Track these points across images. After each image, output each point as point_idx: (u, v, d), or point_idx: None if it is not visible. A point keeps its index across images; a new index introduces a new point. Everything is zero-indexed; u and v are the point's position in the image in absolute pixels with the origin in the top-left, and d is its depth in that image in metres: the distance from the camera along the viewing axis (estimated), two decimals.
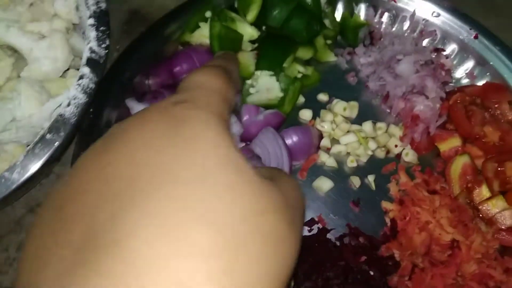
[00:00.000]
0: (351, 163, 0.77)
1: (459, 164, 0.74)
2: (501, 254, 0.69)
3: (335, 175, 0.76)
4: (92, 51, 0.62)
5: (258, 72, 0.76)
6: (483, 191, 0.72)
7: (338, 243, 0.69)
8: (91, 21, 0.64)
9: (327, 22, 0.85)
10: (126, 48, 0.78)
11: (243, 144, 0.73)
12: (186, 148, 0.27)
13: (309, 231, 0.71)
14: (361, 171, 0.77)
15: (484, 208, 0.71)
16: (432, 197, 0.71)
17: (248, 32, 0.79)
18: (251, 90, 0.76)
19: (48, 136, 0.57)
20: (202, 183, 0.26)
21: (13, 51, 0.68)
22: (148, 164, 0.27)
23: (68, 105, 0.58)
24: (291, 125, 0.77)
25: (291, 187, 0.33)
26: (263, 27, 0.81)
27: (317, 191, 0.75)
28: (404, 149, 0.78)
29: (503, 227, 0.70)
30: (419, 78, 0.78)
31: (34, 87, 0.61)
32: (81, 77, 0.59)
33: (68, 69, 0.69)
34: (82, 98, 0.58)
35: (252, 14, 0.80)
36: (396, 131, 0.78)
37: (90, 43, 0.62)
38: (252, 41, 0.80)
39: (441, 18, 0.85)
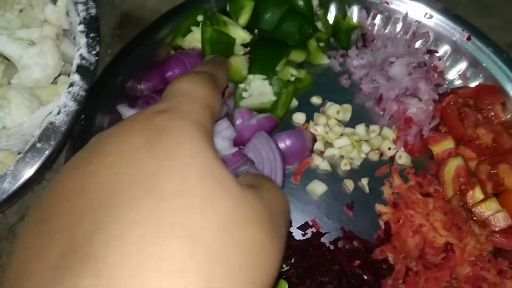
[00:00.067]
0: (344, 166, 0.77)
1: (453, 166, 0.74)
2: (495, 256, 0.69)
3: (328, 179, 0.76)
4: (82, 58, 0.61)
5: (250, 76, 0.76)
6: (477, 193, 0.72)
7: (332, 247, 0.69)
8: (81, 27, 0.64)
9: (319, 24, 0.85)
10: (118, 53, 0.78)
11: (236, 149, 0.73)
12: (165, 160, 0.27)
13: (303, 235, 0.71)
14: (354, 174, 0.77)
15: (477, 210, 0.71)
16: (425, 200, 0.71)
17: (240, 35, 0.79)
18: (244, 94, 0.76)
19: (39, 144, 0.56)
20: (180, 195, 0.26)
21: (3, 58, 0.67)
22: (127, 177, 0.27)
23: (59, 113, 0.58)
24: (284, 129, 0.77)
25: (274, 195, 0.33)
26: (256, 31, 0.81)
27: (311, 194, 0.74)
28: (397, 151, 0.78)
29: (496, 229, 0.70)
30: (412, 80, 0.78)
31: (25, 95, 0.61)
32: (71, 85, 0.59)
33: (59, 75, 0.68)
34: (72, 106, 0.58)
35: (244, 18, 0.80)
36: (390, 133, 0.78)
37: (80, 49, 0.62)
38: (245, 45, 0.80)
39: (434, 20, 0.85)
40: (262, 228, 0.28)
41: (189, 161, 0.27)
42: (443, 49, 0.85)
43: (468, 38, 0.83)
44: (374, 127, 0.79)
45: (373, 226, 0.72)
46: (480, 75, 0.82)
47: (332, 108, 0.79)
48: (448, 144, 0.77)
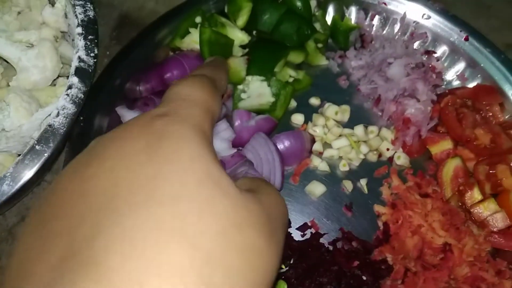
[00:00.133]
0: (343, 167, 0.77)
1: (451, 167, 0.74)
2: (493, 257, 0.69)
3: (327, 180, 0.76)
4: (80, 60, 0.61)
5: (249, 77, 0.76)
6: (475, 194, 0.72)
7: (331, 248, 0.69)
8: (80, 29, 0.64)
9: (317, 25, 0.85)
10: (116, 54, 0.78)
11: (235, 150, 0.73)
12: (165, 164, 0.27)
13: (302, 235, 0.71)
14: (353, 175, 0.77)
15: (476, 211, 0.71)
16: (424, 201, 0.71)
17: (239, 37, 0.79)
18: (243, 95, 0.76)
19: (38, 147, 0.56)
20: (179, 200, 0.26)
21: (2, 60, 0.67)
22: (126, 181, 0.27)
23: (57, 115, 0.58)
24: (283, 130, 0.77)
25: (273, 198, 0.33)
26: (254, 32, 0.81)
27: (309, 195, 0.75)
28: (396, 152, 0.78)
29: (495, 229, 0.70)
30: (410, 81, 0.78)
31: (23, 97, 0.61)
32: (69, 87, 0.59)
33: (57, 77, 0.68)
34: (71, 108, 0.58)
35: (242, 19, 0.80)
36: (388, 134, 0.79)
37: (78, 52, 0.62)
38: (243, 46, 0.80)
39: (432, 21, 0.85)
40: (261, 232, 0.28)
41: (188, 166, 0.28)
42: (441, 50, 0.86)
43: (466, 39, 0.83)
44: (373, 128, 0.79)
45: (372, 226, 0.72)
46: (478, 76, 0.83)
47: (330, 109, 0.79)
48: (446, 144, 0.77)
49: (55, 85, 0.69)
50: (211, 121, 0.34)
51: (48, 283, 0.24)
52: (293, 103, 0.81)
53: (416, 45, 0.87)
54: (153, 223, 0.25)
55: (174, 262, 0.24)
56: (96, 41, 0.63)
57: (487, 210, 0.70)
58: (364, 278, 0.66)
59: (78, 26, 0.63)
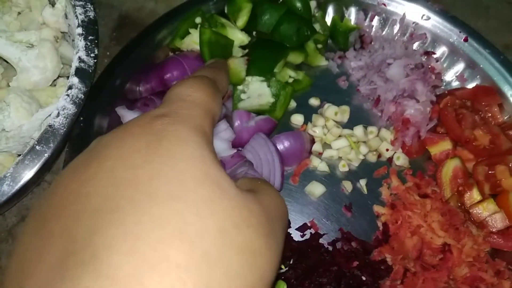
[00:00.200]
0: (343, 167, 0.77)
1: (450, 167, 0.75)
2: (492, 257, 0.69)
3: (327, 180, 0.76)
4: (81, 60, 0.61)
5: (249, 78, 0.76)
6: (474, 194, 0.72)
7: (330, 248, 0.70)
8: (80, 30, 0.64)
9: (317, 26, 0.85)
10: (116, 55, 0.78)
11: (235, 150, 0.73)
12: (165, 164, 0.28)
13: (302, 236, 0.71)
14: (353, 175, 0.77)
15: (475, 211, 0.71)
16: (423, 201, 0.71)
17: (239, 37, 0.79)
18: (242, 96, 0.76)
19: (38, 147, 0.57)
20: (178, 199, 0.26)
21: (2, 60, 0.67)
22: (126, 181, 0.27)
23: (58, 115, 0.58)
24: (283, 130, 0.77)
25: (273, 199, 0.33)
26: (254, 33, 0.81)
27: (309, 196, 0.75)
28: (395, 153, 0.78)
29: (494, 230, 0.70)
30: (410, 82, 0.79)
31: (24, 97, 0.61)
32: (70, 88, 0.59)
33: (58, 78, 0.68)
34: (71, 108, 0.58)
35: (242, 20, 0.80)
36: (387, 135, 0.79)
37: (79, 52, 0.62)
38: (243, 47, 0.80)
39: (431, 21, 0.85)
40: (260, 232, 0.28)
41: (188, 166, 0.28)
42: (441, 51, 0.86)
43: (465, 40, 0.83)
44: (372, 129, 0.79)
45: (371, 227, 0.72)
46: (477, 77, 0.83)
47: (330, 110, 0.79)
48: (445, 145, 0.77)
49: (55, 85, 0.69)
50: (211, 122, 0.34)
51: (48, 283, 0.24)
52: (293, 104, 0.82)
53: (415, 46, 0.87)
54: (153, 222, 0.25)
55: (173, 260, 0.24)
56: (96, 41, 0.63)
57: (486, 211, 0.70)
58: (364, 278, 0.66)
59: (78, 26, 0.63)
